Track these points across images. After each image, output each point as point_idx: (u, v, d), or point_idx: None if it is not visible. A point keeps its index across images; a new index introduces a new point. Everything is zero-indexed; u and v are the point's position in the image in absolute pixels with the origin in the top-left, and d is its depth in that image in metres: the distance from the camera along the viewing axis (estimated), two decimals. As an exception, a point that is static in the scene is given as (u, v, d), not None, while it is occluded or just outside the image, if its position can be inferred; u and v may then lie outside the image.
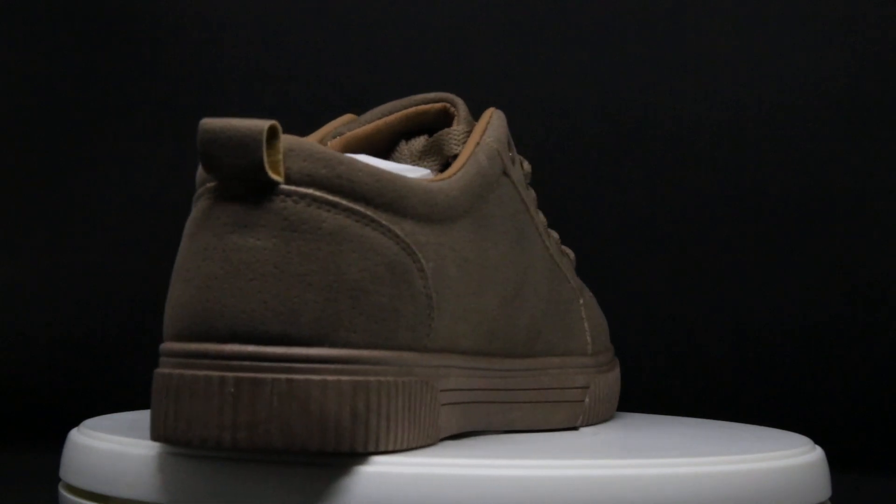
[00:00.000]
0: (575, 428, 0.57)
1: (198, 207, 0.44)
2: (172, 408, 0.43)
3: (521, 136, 0.82)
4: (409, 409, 0.45)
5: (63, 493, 0.51)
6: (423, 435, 0.46)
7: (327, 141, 0.54)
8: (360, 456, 0.44)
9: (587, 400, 0.57)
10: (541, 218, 0.56)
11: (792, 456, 0.50)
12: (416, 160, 0.53)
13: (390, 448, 0.44)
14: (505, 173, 0.51)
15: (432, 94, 0.54)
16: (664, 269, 0.87)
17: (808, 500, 0.50)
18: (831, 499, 0.54)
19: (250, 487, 0.45)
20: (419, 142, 0.54)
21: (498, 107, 0.85)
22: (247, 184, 0.42)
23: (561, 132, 0.88)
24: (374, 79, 0.89)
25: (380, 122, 0.54)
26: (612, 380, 0.59)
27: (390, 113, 0.54)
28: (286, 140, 0.43)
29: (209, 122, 0.42)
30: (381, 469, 0.44)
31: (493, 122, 0.52)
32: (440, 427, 0.47)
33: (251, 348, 0.42)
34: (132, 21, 0.91)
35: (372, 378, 0.43)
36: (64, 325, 0.89)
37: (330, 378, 0.42)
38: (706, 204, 0.86)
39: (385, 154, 0.55)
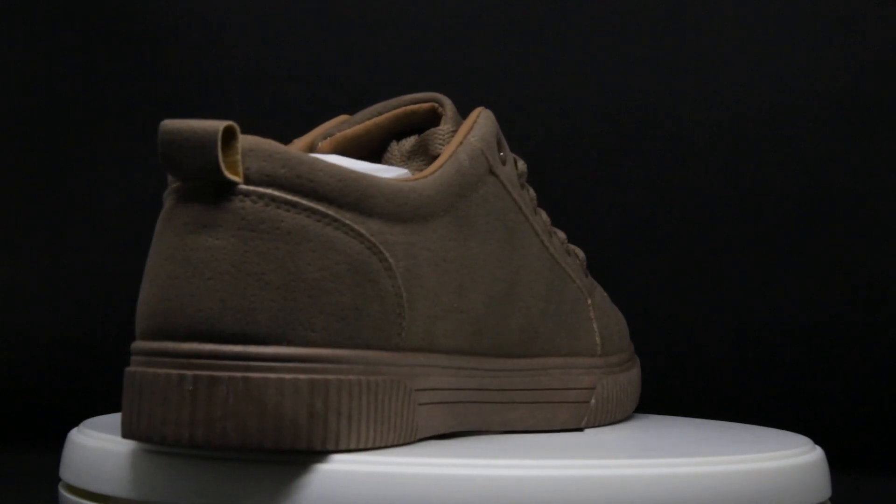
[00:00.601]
0: (580, 429, 0.56)
1: (164, 207, 0.45)
2: (137, 405, 0.44)
3: (521, 136, 0.82)
4: (376, 408, 0.45)
5: (63, 493, 0.51)
6: (396, 434, 0.46)
7: (318, 142, 0.55)
8: (351, 455, 0.44)
9: (593, 401, 0.57)
10: (542, 217, 0.56)
11: (792, 456, 0.50)
12: (406, 160, 0.53)
13: (353, 447, 0.44)
14: (491, 172, 0.51)
15: (421, 94, 0.54)
16: (664, 269, 0.87)
17: (808, 500, 0.50)
18: (831, 499, 0.54)
19: (250, 488, 0.45)
20: (409, 142, 0.54)
21: (498, 107, 0.84)
22: (206, 184, 0.43)
23: (561, 132, 0.88)
24: (374, 79, 0.89)
25: (369, 123, 0.54)
26: (624, 381, 0.59)
27: (380, 113, 0.54)
28: (245, 140, 0.43)
29: (168, 124, 0.43)
30: (353, 468, 0.44)
31: (480, 121, 0.52)
32: (418, 426, 0.48)
33: (209, 347, 0.43)
34: (132, 21, 0.91)
35: (332, 376, 0.44)
36: (64, 325, 0.89)
37: (286, 376, 0.43)
38: (706, 204, 0.86)
39: (377, 154, 0.55)
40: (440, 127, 0.53)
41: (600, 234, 0.86)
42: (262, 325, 0.43)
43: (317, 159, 0.44)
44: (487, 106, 0.87)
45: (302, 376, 0.43)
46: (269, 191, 0.43)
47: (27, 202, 0.92)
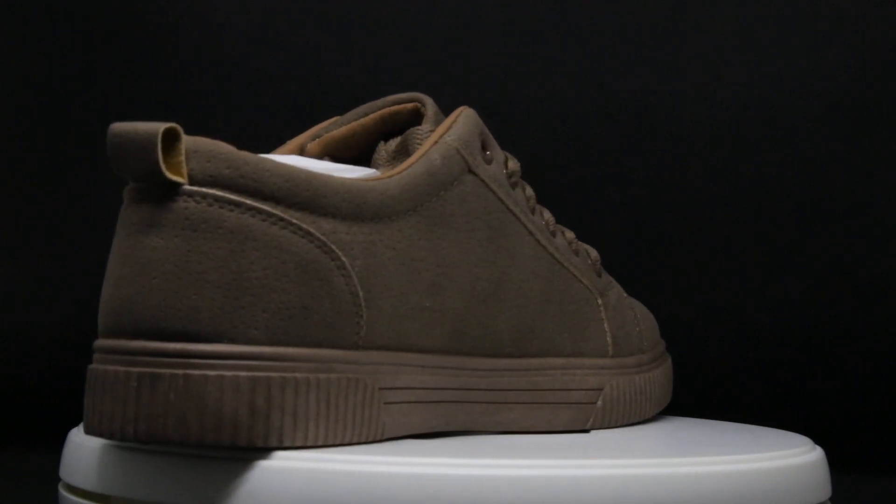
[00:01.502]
0: (585, 430, 0.56)
1: (121, 209, 0.46)
2: (92, 402, 0.45)
3: (520, 136, 0.82)
4: (328, 406, 0.46)
5: (63, 493, 0.51)
6: (355, 432, 0.47)
7: (308, 143, 0.55)
8: (330, 453, 0.44)
9: (600, 402, 0.56)
10: (545, 217, 0.56)
11: (792, 456, 0.50)
12: (392, 160, 0.54)
13: (300, 444, 0.45)
14: (471, 171, 0.52)
15: (405, 95, 0.54)
16: (664, 268, 0.87)
17: (808, 500, 0.50)
18: (831, 499, 0.54)
19: (250, 488, 0.45)
20: (395, 142, 0.54)
21: (498, 107, 0.84)
22: (154, 185, 0.44)
23: (561, 132, 0.88)
24: (374, 79, 0.89)
25: (356, 124, 0.55)
26: (641, 382, 0.58)
27: (366, 114, 0.55)
28: (189, 141, 0.44)
29: (115, 127, 0.44)
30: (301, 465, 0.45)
31: (459, 121, 0.52)
32: (386, 425, 0.48)
33: (153, 345, 0.44)
34: (132, 21, 0.91)
35: (275, 374, 0.44)
36: (64, 325, 0.89)
37: (227, 374, 0.43)
38: (706, 204, 0.86)
39: (367, 155, 0.55)
40: (420, 126, 0.53)
41: (600, 234, 0.86)
42: (203, 324, 0.44)
43: (264, 159, 0.45)
44: (487, 106, 0.87)
45: (243, 374, 0.44)
46: (212, 191, 0.44)
47: (27, 202, 0.92)
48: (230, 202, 0.44)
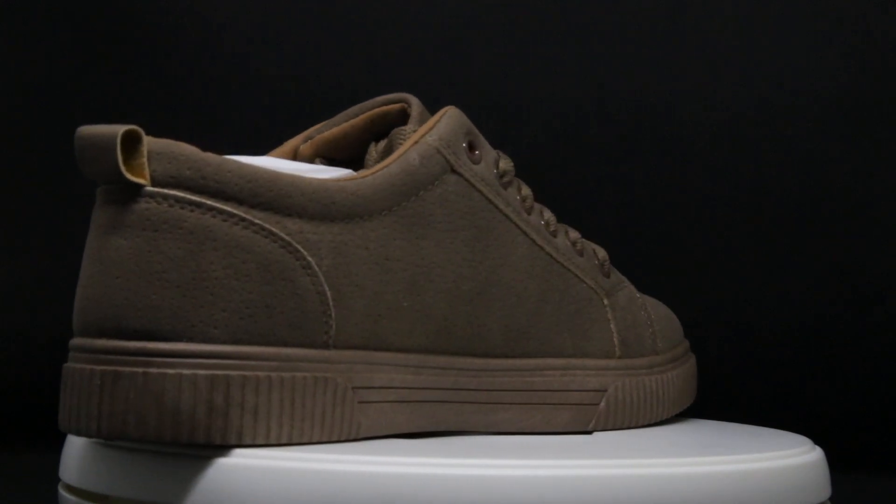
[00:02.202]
0: (588, 432, 0.56)
1: (92, 210, 0.47)
2: (62, 399, 0.46)
3: (520, 136, 0.82)
4: (293, 404, 0.46)
5: (63, 493, 0.51)
6: (325, 431, 0.47)
7: (301, 145, 0.56)
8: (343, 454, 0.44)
9: (603, 403, 0.56)
10: (545, 216, 0.56)
11: (792, 456, 0.50)
12: (380, 161, 0.54)
13: (261, 441, 0.45)
14: (454, 171, 0.52)
15: (392, 95, 0.55)
16: (664, 268, 0.87)
17: (808, 500, 0.50)
18: (831, 499, 0.54)
19: (250, 488, 0.45)
20: (383, 143, 0.54)
21: (498, 107, 0.84)
22: (120, 186, 0.45)
23: (561, 132, 0.88)
24: (373, 79, 0.89)
25: (346, 126, 0.55)
26: (652, 384, 0.58)
27: (357, 115, 0.55)
28: (152, 143, 0.45)
29: (81, 130, 0.45)
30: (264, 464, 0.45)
31: (443, 120, 0.52)
32: (362, 424, 0.48)
33: (114, 343, 0.45)
34: (132, 21, 0.91)
35: (234, 372, 0.45)
36: (64, 325, 0.89)
37: (185, 372, 0.44)
38: (706, 204, 0.86)
39: (359, 156, 0.55)
40: (404, 126, 0.53)
41: (599, 234, 0.86)
42: (163, 323, 0.45)
43: (227, 160, 0.46)
44: (487, 105, 0.87)
45: (201, 372, 0.45)
46: (174, 192, 0.45)
47: (27, 202, 0.92)
48: (191, 203, 0.45)
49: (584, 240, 0.58)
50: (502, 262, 0.53)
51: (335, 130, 0.55)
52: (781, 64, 0.86)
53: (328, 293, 0.47)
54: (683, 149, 0.87)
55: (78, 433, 0.45)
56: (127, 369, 0.45)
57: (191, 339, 0.45)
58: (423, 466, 0.45)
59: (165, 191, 0.45)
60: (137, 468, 0.47)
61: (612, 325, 0.57)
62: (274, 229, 0.46)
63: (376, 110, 0.55)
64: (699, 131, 0.87)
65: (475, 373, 0.53)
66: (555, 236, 0.56)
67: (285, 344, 0.46)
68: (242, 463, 0.45)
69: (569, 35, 0.88)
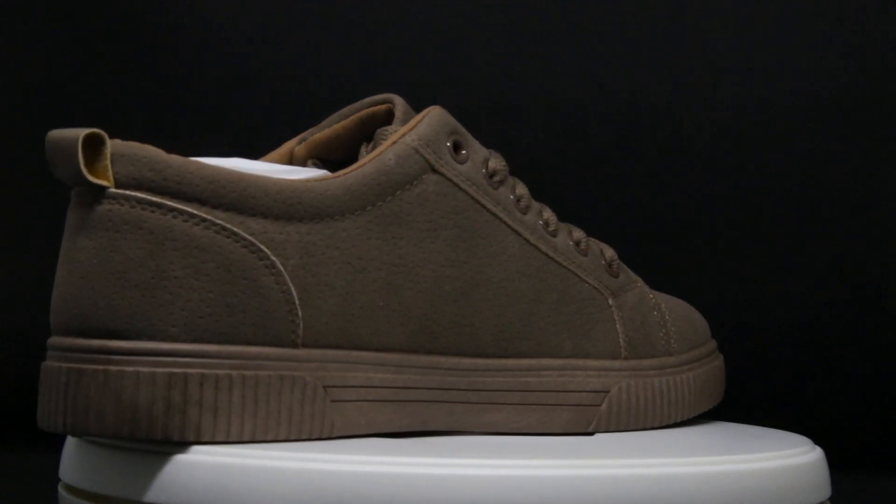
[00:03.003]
0: (589, 434, 0.56)
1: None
2: (39, 396, 0.48)
3: (520, 136, 0.82)
4: (256, 402, 0.47)
5: (63, 493, 0.51)
6: (293, 429, 0.48)
7: (296, 147, 0.56)
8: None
9: (605, 405, 0.55)
10: (542, 216, 0.55)
11: (792, 456, 0.50)
12: None
13: (220, 439, 0.46)
14: (434, 171, 0.52)
15: (380, 96, 0.55)
16: (663, 269, 0.87)
17: (808, 500, 0.50)
18: (831, 499, 0.54)
19: (250, 487, 0.45)
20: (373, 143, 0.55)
21: (498, 107, 0.84)
22: (88, 188, 0.47)
23: (561, 132, 0.88)
24: (373, 79, 0.89)
25: (337, 127, 0.56)
26: (663, 386, 0.57)
27: (347, 116, 0.56)
28: (115, 146, 0.46)
29: (49, 134, 0.47)
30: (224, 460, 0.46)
31: (425, 120, 0.53)
32: (336, 423, 0.49)
33: (78, 341, 0.46)
34: (132, 21, 0.91)
35: (193, 370, 0.46)
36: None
37: (143, 370, 0.46)
38: (706, 204, 0.86)
39: (352, 156, 0.56)
40: (387, 127, 0.54)
41: (598, 234, 0.86)
42: (123, 322, 0.46)
43: (189, 162, 0.47)
44: (488, 106, 0.87)
45: (160, 370, 0.46)
46: (136, 193, 0.46)
47: (27, 202, 0.92)
48: (152, 204, 0.46)
49: (591, 239, 0.58)
50: (490, 262, 0.53)
51: (327, 132, 0.56)
52: (781, 64, 0.86)
53: (294, 292, 0.48)
54: (683, 149, 0.87)
55: (48, 429, 0.47)
56: (89, 367, 0.46)
57: (150, 338, 0.46)
58: (400, 466, 0.45)
59: (127, 192, 0.46)
60: (137, 468, 0.47)
61: (617, 326, 0.57)
62: (236, 229, 0.47)
63: (365, 111, 0.55)
64: (699, 131, 0.87)
65: (465, 373, 0.53)
66: (554, 236, 0.56)
67: (249, 343, 0.47)
68: (241, 463, 0.45)
69: (569, 35, 0.88)
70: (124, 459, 0.47)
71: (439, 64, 0.89)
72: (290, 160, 0.57)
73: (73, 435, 0.46)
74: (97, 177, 0.46)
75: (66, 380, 0.46)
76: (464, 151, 0.53)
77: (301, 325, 0.48)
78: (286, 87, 0.89)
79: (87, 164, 0.46)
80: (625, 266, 0.59)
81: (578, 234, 0.57)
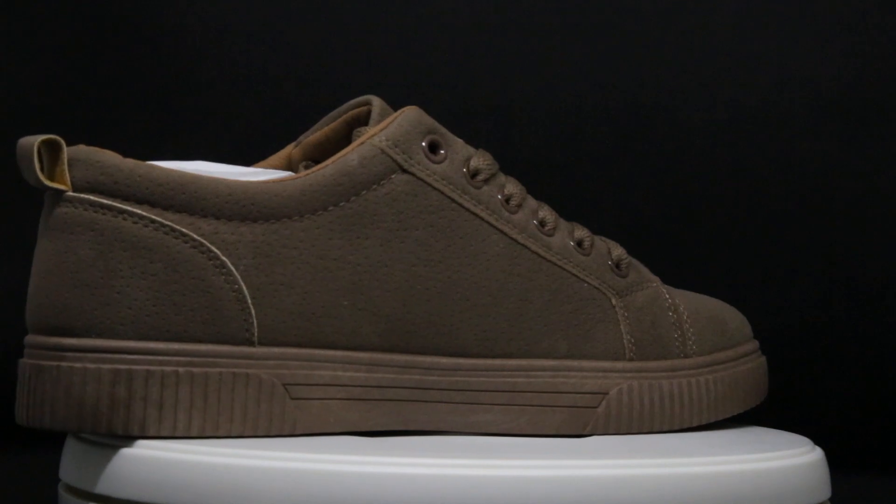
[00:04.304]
0: (584, 436, 0.55)
1: None
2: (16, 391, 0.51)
3: (520, 136, 0.82)
4: (206, 399, 0.49)
5: (63, 493, 0.51)
6: (248, 426, 0.49)
7: (293, 150, 0.57)
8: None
9: (602, 406, 0.55)
10: (537, 215, 0.55)
11: (792, 456, 0.50)
12: None
13: (165, 433, 0.48)
14: (404, 171, 0.52)
15: (362, 98, 0.56)
16: (663, 269, 0.87)
17: (808, 500, 0.50)
18: (831, 499, 0.54)
19: (251, 487, 0.45)
20: None
21: (499, 106, 0.84)
22: (53, 192, 0.49)
23: (561, 132, 0.88)
24: (374, 79, 0.89)
25: (327, 129, 0.56)
26: (674, 388, 0.56)
27: (336, 118, 0.56)
28: (73, 151, 0.49)
29: (20, 140, 0.49)
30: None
31: (396, 120, 0.53)
32: (298, 420, 0.50)
33: (38, 339, 0.50)
34: (132, 21, 0.91)
35: (138, 367, 0.48)
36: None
37: (90, 366, 0.48)
38: (706, 204, 0.86)
39: None
40: (362, 127, 0.54)
41: (599, 234, 0.86)
42: (74, 320, 0.49)
43: (141, 166, 0.49)
44: (487, 106, 0.87)
45: (105, 366, 0.48)
46: (89, 197, 0.49)
47: (27, 202, 0.92)
48: (103, 206, 0.49)
49: (601, 238, 0.57)
50: (470, 262, 0.53)
51: (318, 135, 0.57)
52: (781, 64, 0.86)
53: (246, 291, 0.49)
54: (683, 149, 0.87)
55: (18, 421, 0.50)
56: (46, 363, 0.49)
57: (99, 335, 0.48)
58: (374, 465, 0.45)
59: (82, 195, 0.49)
60: (137, 468, 0.47)
61: (621, 326, 0.56)
62: (185, 230, 0.49)
63: (350, 113, 0.56)
64: (699, 131, 0.87)
65: (445, 372, 0.53)
66: (551, 235, 0.55)
67: (200, 340, 0.49)
68: (240, 463, 0.45)
69: (569, 35, 0.88)
70: (124, 459, 0.47)
71: (440, 64, 0.89)
72: (289, 163, 0.57)
73: (33, 427, 0.49)
74: (57, 181, 0.49)
75: (28, 375, 0.49)
76: (442, 151, 0.54)
77: (255, 323, 0.50)
78: (286, 87, 0.89)
79: (48, 169, 0.49)
80: (639, 265, 0.58)
81: (581, 233, 0.56)
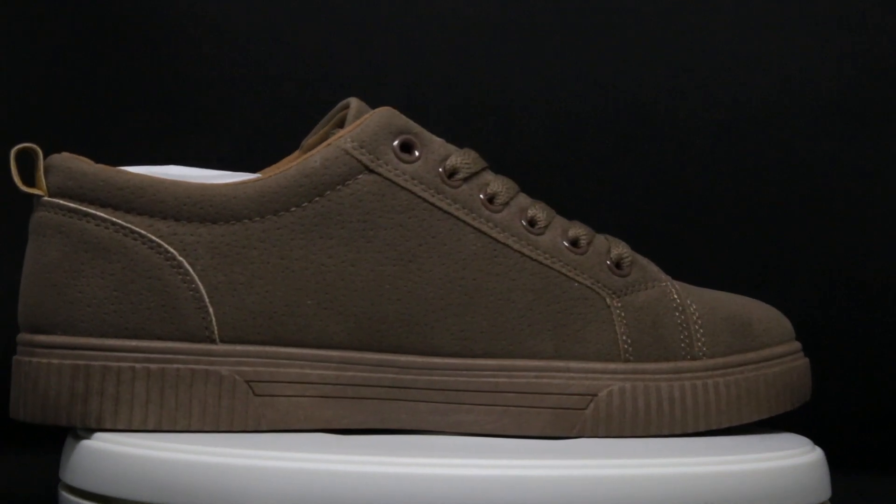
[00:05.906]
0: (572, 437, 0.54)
1: None
2: None
3: (520, 136, 0.81)
4: (162, 394, 0.51)
5: (63, 493, 0.51)
6: (208, 421, 0.51)
7: (295, 153, 0.58)
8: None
9: (591, 408, 0.53)
10: (526, 214, 0.55)
11: (792, 456, 0.50)
12: None
13: (121, 427, 0.50)
14: (370, 171, 0.53)
15: (346, 100, 0.56)
16: (662, 268, 0.87)
17: (808, 500, 0.50)
18: (831, 499, 0.54)
19: (251, 488, 0.45)
20: None
21: (499, 106, 0.84)
22: (34, 198, 0.53)
23: (561, 132, 0.88)
24: (374, 79, 0.89)
25: (322, 132, 0.57)
26: (674, 391, 0.54)
27: (330, 120, 0.57)
28: (50, 158, 0.52)
29: (12, 151, 0.52)
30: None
31: (365, 122, 0.54)
32: (265, 416, 0.51)
33: (23, 336, 0.53)
34: (132, 21, 0.91)
35: (95, 363, 0.51)
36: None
37: (54, 361, 0.51)
38: (706, 203, 0.86)
39: None
40: (338, 129, 0.55)
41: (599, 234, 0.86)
42: (46, 318, 0.52)
43: (104, 171, 0.52)
44: (487, 106, 0.87)
45: (66, 361, 0.51)
46: (60, 201, 0.52)
47: (27, 202, 0.91)
48: (71, 210, 0.52)
49: (603, 236, 0.57)
50: (442, 261, 0.53)
51: (315, 137, 0.58)
52: (781, 64, 0.86)
53: (203, 290, 0.51)
54: (683, 149, 0.87)
55: (10, 415, 0.53)
56: (23, 359, 0.52)
57: (63, 333, 0.51)
58: (337, 463, 0.46)
59: (55, 200, 0.52)
60: (137, 468, 0.47)
61: (616, 327, 0.55)
62: (143, 232, 0.51)
63: (339, 115, 0.57)
64: (699, 131, 0.87)
65: (422, 371, 0.53)
66: (540, 234, 0.55)
67: (158, 338, 0.51)
68: (239, 463, 0.45)
69: (569, 35, 0.88)
70: (124, 459, 0.47)
71: (440, 64, 0.89)
72: None
73: (13, 419, 0.52)
74: (34, 187, 0.52)
75: (13, 370, 0.53)
76: (416, 152, 0.54)
77: (214, 321, 0.51)
78: (286, 87, 0.89)
79: (28, 176, 0.52)
80: (647, 264, 0.57)
81: (577, 231, 0.56)
